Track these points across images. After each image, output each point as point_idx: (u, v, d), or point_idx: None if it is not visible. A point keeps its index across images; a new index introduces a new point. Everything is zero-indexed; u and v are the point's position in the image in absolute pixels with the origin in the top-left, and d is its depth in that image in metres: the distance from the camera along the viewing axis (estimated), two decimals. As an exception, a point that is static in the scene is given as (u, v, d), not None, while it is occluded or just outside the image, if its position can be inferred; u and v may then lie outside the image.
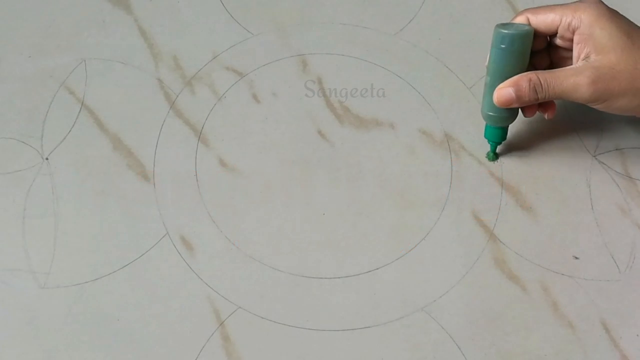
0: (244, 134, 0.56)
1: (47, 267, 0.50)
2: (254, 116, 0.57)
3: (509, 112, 0.51)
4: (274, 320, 0.49)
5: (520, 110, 0.52)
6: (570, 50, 0.50)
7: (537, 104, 0.52)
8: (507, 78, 0.50)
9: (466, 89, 0.58)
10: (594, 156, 0.55)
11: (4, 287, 0.50)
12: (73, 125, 0.56)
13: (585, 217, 0.53)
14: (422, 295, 0.50)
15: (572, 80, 0.48)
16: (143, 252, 0.51)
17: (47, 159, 0.54)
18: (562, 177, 0.54)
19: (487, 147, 0.54)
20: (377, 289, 0.50)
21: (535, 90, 0.48)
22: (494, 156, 0.55)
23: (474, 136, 0.56)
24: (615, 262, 0.51)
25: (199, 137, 0.56)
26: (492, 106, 0.51)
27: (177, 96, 0.57)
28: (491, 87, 0.51)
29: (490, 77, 0.51)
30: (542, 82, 0.48)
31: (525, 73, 0.49)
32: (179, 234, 0.52)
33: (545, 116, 0.52)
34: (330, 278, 0.50)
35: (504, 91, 0.49)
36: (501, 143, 0.54)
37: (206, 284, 0.50)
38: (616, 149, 0.55)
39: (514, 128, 0.56)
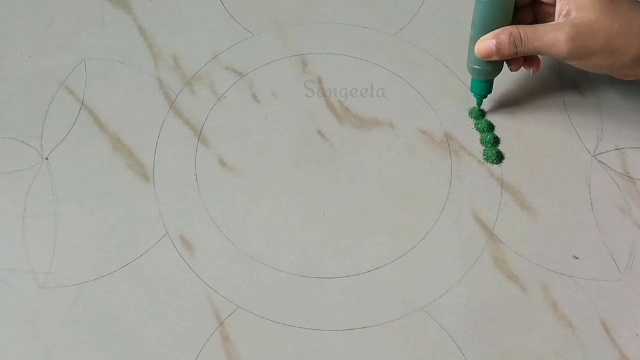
0: (244, 134, 0.56)
1: (47, 267, 0.50)
2: (254, 116, 0.57)
3: (493, 66, 0.53)
4: (274, 320, 0.49)
5: (506, 64, 0.53)
6: (554, 6, 0.51)
7: (523, 60, 0.53)
8: (490, 32, 0.51)
9: (466, 89, 0.57)
10: (594, 156, 0.55)
11: (4, 287, 0.50)
12: (73, 125, 0.56)
13: (585, 217, 0.53)
14: (422, 295, 0.50)
15: (551, 35, 0.49)
16: (143, 252, 0.51)
17: (47, 159, 0.54)
18: (562, 177, 0.54)
19: (490, 150, 0.55)
20: (377, 289, 0.50)
21: (515, 44, 0.50)
22: (480, 112, 0.56)
23: (474, 136, 0.56)
24: (615, 262, 0.51)
25: (199, 137, 0.56)
26: (477, 59, 0.52)
27: (177, 96, 0.57)
28: (475, 40, 0.52)
29: (474, 30, 0.52)
30: (523, 36, 0.49)
31: (507, 27, 0.50)
32: (179, 234, 0.52)
33: (531, 71, 0.54)
34: (330, 278, 0.50)
35: (485, 44, 0.51)
36: (486, 97, 0.55)
37: (206, 284, 0.50)
38: (616, 149, 0.55)
39: (514, 127, 0.56)
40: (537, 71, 0.54)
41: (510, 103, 0.57)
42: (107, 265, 0.50)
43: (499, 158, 0.55)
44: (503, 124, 0.56)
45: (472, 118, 0.56)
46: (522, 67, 0.54)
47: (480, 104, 0.56)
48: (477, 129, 0.56)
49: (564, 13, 0.50)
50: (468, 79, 0.58)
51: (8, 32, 0.60)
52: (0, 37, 0.60)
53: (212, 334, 0.48)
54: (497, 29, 0.51)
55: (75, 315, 0.49)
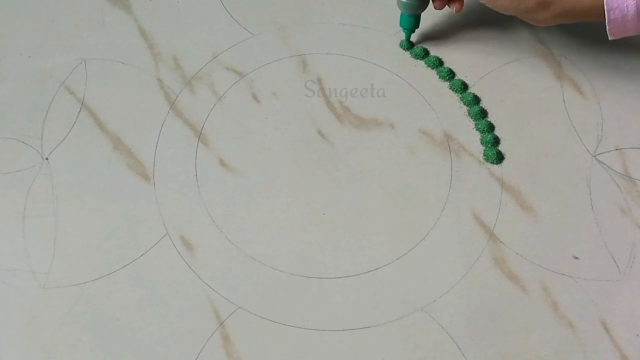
0: (244, 134, 0.56)
1: (47, 267, 0.50)
2: (254, 116, 0.57)
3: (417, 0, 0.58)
4: (274, 320, 0.49)
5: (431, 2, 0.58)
6: None
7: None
8: None
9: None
10: (594, 156, 0.55)
11: (4, 287, 0.50)
12: (73, 125, 0.56)
13: (585, 217, 0.53)
14: (422, 295, 0.50)
15: None
16: (143, 252, 0.51)
17: (47, 159, 0.54)
18: (562, 177, 0.54)
19: (490, 150, 0.55)
20: (377, 289, 0.50)
21: None
22: (408, 44, 0.59)
23: (474, 136, 0.56)
24: (615, 262, 0.51)
25: (199, 137, 0.56)
26: None
27: (177, 96, 0.57)
28: None
29: None
30: None
31: None
32: (179, 234, 0.52)
33: (454, 10, 0.58)
34: (330, 278, 0.50)
35: None
36: (414, 31, 0.59)
37: (206, 284, 0.50)
38: (616, 149, 0.55)
39: (514, 127, 0.56)
40: (460, 10, 0.58)
41: (510, 103, 0.57)
42: (107, 265, 0.50)
43: (499, 158, 0.55)
44: (503, 124, 0.56)
45: (402, 48, 0.59)
46: (447, 7, 0.58)
47: (408, 38, 0.60)
48: (477, 129, 0.56)
49: None
50: (468, 79, 0.58)
51: (8, 32, 0.60)
52: (0, 37, 0.60)
53: (212, 334, 0.48)
54: None
55: (75, 315, 0.49)
